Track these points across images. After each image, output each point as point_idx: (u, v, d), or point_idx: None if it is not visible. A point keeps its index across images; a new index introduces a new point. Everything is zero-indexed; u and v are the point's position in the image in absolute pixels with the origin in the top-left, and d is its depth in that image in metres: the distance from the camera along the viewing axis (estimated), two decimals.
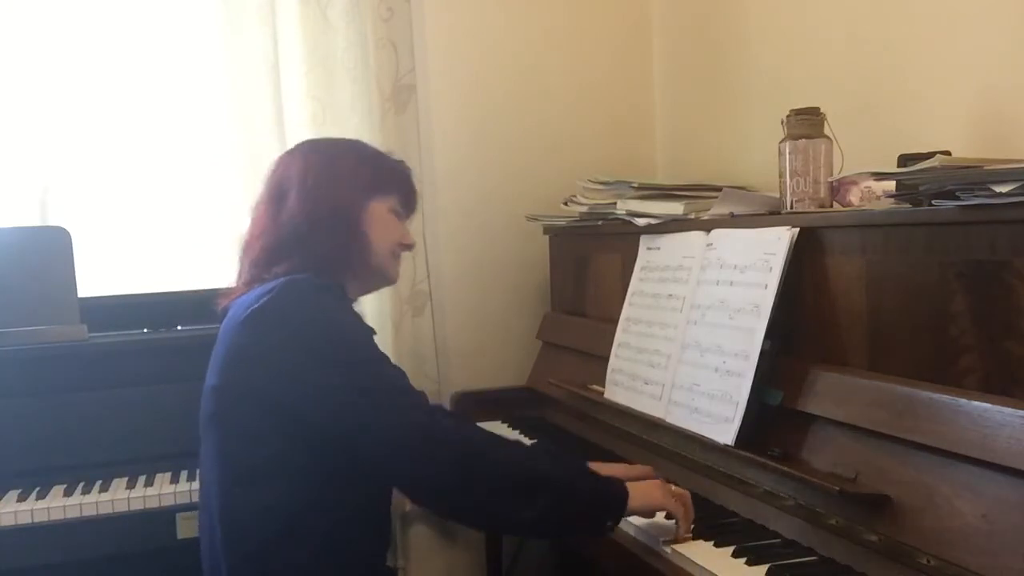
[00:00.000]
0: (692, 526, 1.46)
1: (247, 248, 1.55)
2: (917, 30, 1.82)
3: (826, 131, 1.68)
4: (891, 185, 1.43)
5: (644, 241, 2.01)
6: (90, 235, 2.30)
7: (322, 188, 1.52)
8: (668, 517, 1.45)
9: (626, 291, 2.02)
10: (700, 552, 1.39)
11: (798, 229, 1.55)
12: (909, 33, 1.84)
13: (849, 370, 1.45)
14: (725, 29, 2.45)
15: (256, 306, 1.39)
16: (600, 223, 2.23)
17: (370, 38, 2.45)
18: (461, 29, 2.64)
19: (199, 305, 2.21)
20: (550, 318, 2.55)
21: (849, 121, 1.77)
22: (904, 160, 1.54)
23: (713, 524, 1.50)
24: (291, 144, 2.41)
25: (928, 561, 1.19)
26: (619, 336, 2.01)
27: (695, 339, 1.73)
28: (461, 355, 2.66)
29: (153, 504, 1.93)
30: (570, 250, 2.48)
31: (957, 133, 1.71)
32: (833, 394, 1.44)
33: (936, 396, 1.25)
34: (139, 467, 2.04)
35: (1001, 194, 1.16)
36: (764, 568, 1.31)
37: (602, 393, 2.03)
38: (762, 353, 1.54)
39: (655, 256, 1.96)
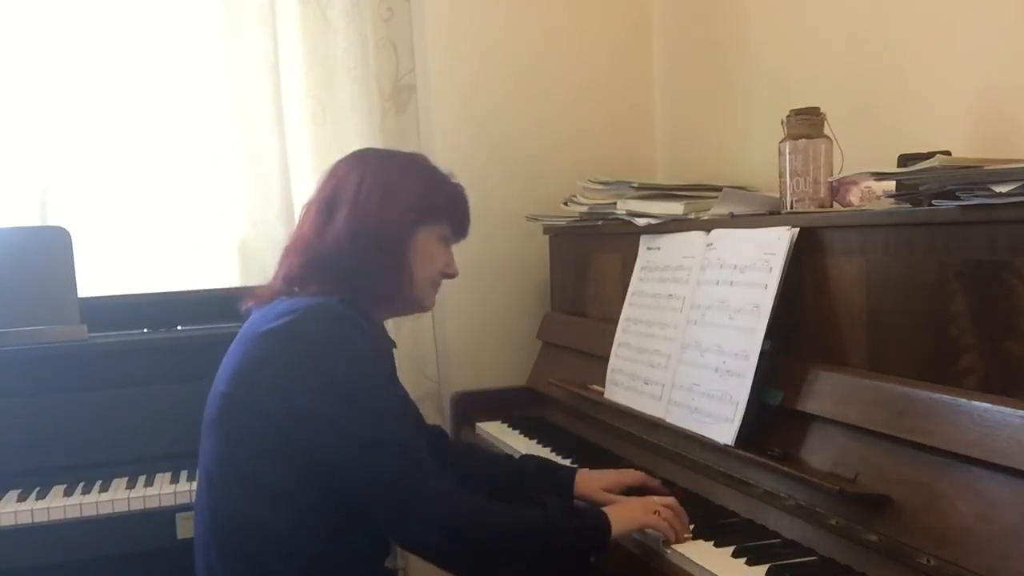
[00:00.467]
0: (691, 526, 1.46)
1: (288, 252, 1.53)
2: (917, 30, 1.82)
3: (826, 131, 1.68)
4: (891, 185, 1.43)
5: (644, 241, 2.01)
6: (90, 235, 2.29)
7: (372, 212, 1.48)
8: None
9: (626, 291, 2.02)
10: (700, 552, 1.39)
11: (798, 229, 1.55)
12: (909, 33, 1.84)
13: (849, 370, 1.45)
14: (725, 29, 2.45)
15: (276, 324, 1.39)
16: (600, 223, 2.23)
17: (370, 38, 2.45)
18: (461, 29, 2.64)
19: (199, 305, 2.23)
20: (550, 318, 2.55)
21: (849, 121, 1.76)
22: (904, 160, 1.54)
23: (713, 524, 1.49)
24: (291, 144, 2.44)
25: (928, 561, 1.18)
26: (619, 336, 2.01)
27: (695, 339, 1.73)
28: (461, 355, 2.66)
29: (153, 504, 1.93)
30: (570, 250, 2.48)
31: (957, 133, 1.71)
32: (833, 394, 1.43)
33: (936, 396, 1.25)
34: (139, 467, 2.04)
35: (1001, 194, 1.16)
36: (764, 568, 1.31)
37: (602, 393, 2.03)
38: (762, 353, 1.54)
39: (655, 256, 1.96)
